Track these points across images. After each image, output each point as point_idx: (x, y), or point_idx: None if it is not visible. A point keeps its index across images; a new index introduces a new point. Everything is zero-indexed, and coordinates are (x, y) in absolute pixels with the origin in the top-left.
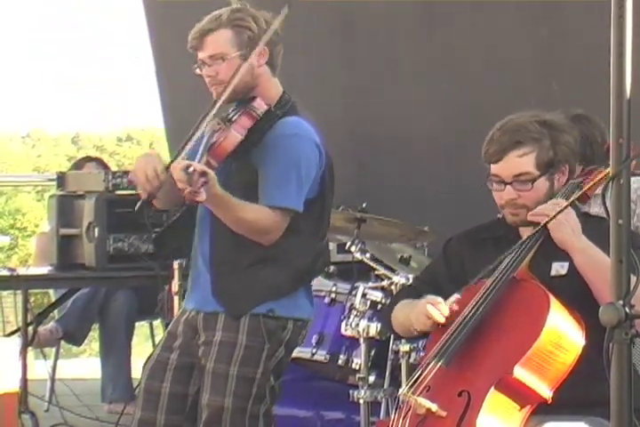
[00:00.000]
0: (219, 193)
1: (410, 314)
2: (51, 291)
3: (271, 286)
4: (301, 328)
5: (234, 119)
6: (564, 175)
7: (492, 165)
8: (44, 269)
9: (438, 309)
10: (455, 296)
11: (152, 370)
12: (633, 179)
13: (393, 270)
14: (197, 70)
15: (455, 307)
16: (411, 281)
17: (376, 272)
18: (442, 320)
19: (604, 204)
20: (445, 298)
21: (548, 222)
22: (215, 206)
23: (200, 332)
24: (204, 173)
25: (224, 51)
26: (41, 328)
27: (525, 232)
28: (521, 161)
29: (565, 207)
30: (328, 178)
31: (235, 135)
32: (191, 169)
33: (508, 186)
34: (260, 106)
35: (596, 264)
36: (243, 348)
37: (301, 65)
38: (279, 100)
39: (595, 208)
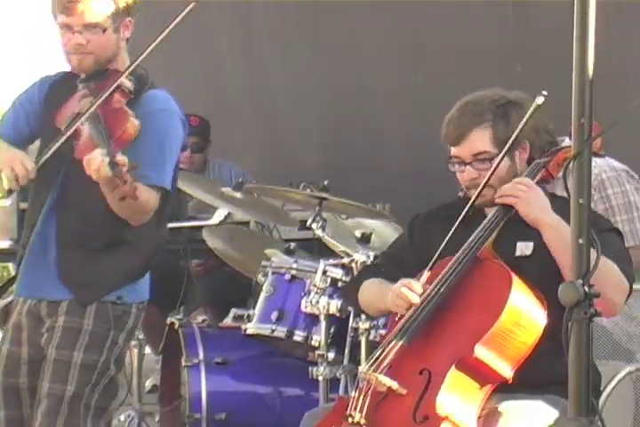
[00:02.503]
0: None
1: (383, 296)
2: (10, 265)
3: (124, 271)
4: (142, 311)
5: (112, 100)
6: (525, 152)
7: (451, 147)
8: (4, 244)
9: (413, 289)
10: (427, 273)
11: (5, 367)
12: (593, 163)
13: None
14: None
15: (427, 287)
16: (373, 258)
17: (337, 249)
18: (416, 301)
19: (565, 183)
20: (410, 277)
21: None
22: (116, 188)
23: (44, 319)
24: (124, 163)
25: (101, 22)
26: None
27: (490, 211)
28: (479, 140)
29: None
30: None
31: (136, 123)
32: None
33: (468, 166)
34: (127, 84)
35: (565, 241)
36: (88, 334)
37: (272, 49)
38: (132, 72)
39: (558, 189)
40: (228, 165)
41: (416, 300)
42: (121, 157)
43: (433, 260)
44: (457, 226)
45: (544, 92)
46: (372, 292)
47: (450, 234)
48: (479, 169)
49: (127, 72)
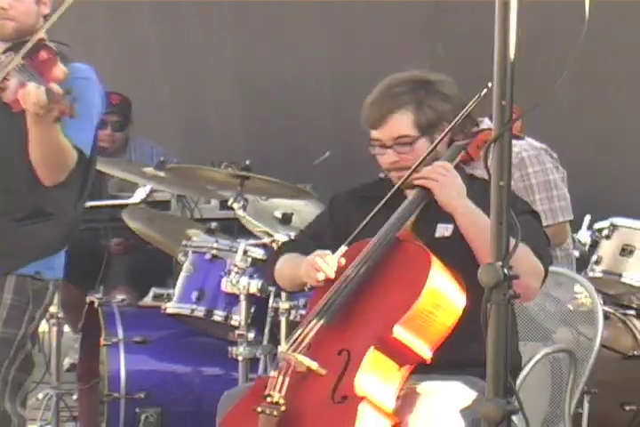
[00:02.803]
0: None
1: (298, 268)
2: None
3: (44, 243)
4: (57, 289)
5: (39, 55)
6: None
7: (372, 131)
8: None
9: (327, 261)
10: (342, 248)
11: None
12: (513, 142)
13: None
14: None
15: (343, 261)
16: (294, 236)
17: (257, 229)
18: (332, 274)
19: (486, 165)
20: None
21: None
22: (51, 111)
23: None
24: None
25: None
26: None
27: (410, 193)
28: (399, 124)
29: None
30: (98, 125)
31: (61, 67)
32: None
33: (389, 149)
34: (50, 44)
35: (478, 227)
36: (7, 308)
37: (193, 25)
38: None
39: (478, 171)
40: (149, 144)
41: (329, 272)
42: (54, 85)
43: (352, 236)
44: (374, 204)
45: (489, 84)
46: (288, 265)
47: (370, 215)
48: (400, 152)
49: (46, 26)
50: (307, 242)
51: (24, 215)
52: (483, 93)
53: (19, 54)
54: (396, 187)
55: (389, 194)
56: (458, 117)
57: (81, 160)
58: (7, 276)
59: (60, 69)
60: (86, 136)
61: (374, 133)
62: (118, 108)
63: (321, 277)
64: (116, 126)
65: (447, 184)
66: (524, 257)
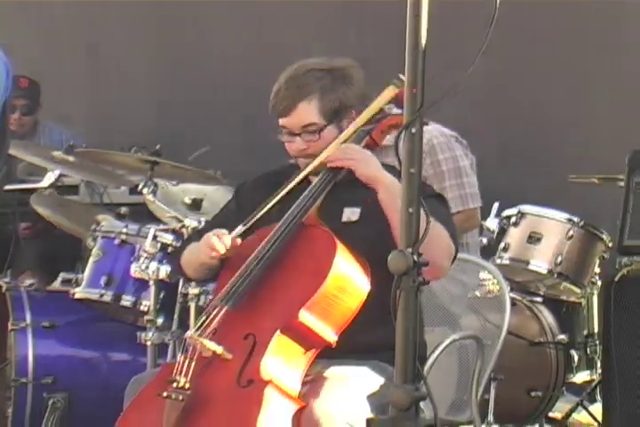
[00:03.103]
0: None
1: (199, 253)
2: None
3: None
4: None
5: None
6: (351, 120)
7: (279, 119)
8: None
9: (222, 239)
10: (240, 228)
11: None
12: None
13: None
14: None
15: (238, 240)
16: (201, 226)
17: (167, 215)
18: (222, 251)
19: (397, 153)
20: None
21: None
22: None
23: None
24: None
25: None
26: None
27: (315, 179)
28: (306, 112)
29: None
30: (7, 108)
31: None
32: None
33: (297, 137)
34: None
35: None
36: None
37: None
38: None
39: (387, 159)
40: (58, 128)
41: (222, 249)
42: None
43: (251, 217)
44: (280, 193)
45: (402, 77)
46: (191, 251)
47: (275, 198)
48: (308, 140)
49: None
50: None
51: None
52: (393, 86)
53: None
54: (304, 173)
55: (297, 179)
56: (370, 114)
57: None
58: None
59: None
60: None
61: (282, 121)
62: (27, 92)
63: (212, 254)
64: (24, 110)
65: (365, 159)
66: (437, 235)
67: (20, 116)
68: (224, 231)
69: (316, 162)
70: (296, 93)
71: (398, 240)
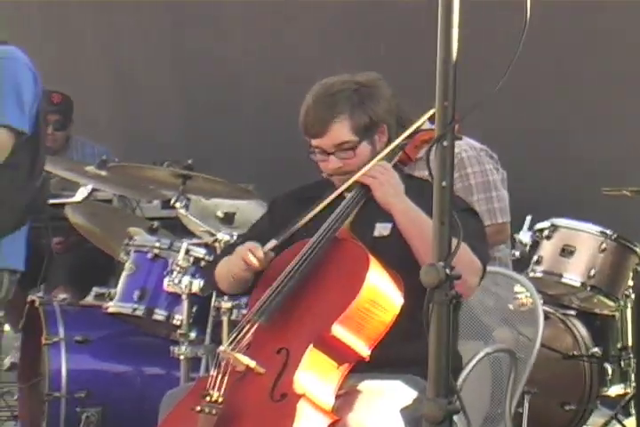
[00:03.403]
0: None
1: (232, 267)
2: None
3: None
4: (13, 284)
5: None
6: (384, 134)
7: (312, 139)
8: None
9: (254, 252)
10: (272, 242)
11: None
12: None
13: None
14: None
15: (271, 254)
16: (236, 238)
17: (200, 229)
18: (255, 263)
19: (428, 166)
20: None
21: (364, 180)
22: None
23: None
24: None
25: None
26: None
27: (348, 194)
28: (339, 132)
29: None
30: (42, 117)
31: None
32: None
33: (331, 156)
34: None
35: (416, 225)
36: None
37: (130, 24)
38: None
39: (418, 171)
40: (90, 143)
41: (253, 261)
42: None
43: (285, 232)
44: (315, 208)
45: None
46: (224, 265)
47: (310, 215)
48: (342, 158)
49: None
50: None
51: None
52: (427, 116)
53: None
54: (339, 191)
55: (332, 197)
56: (405, 135)
57: (15, 136)
58: None
59: None
60: (11, 110)
61: (315, 142)
62: (59, 107)
63: (244, 267)
64: (56, 125)
65: (385, 182)
66: (464, 253)
67: (53, 132)
68: (257, 244)
69: (351, 180)
70: (327, 114)
71: (421, 261)
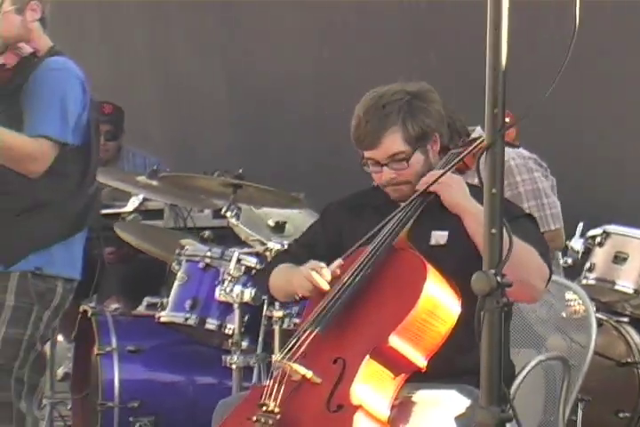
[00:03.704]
0: None
1: (291, 279)
2: None
3: (44, 232)
4: (69, 292)
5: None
6: (437, 143)
7: (365, 151)
8: None
9: (321, 274)
10: (338, 261)
11: None
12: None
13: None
14: None
15: (338, 272)
16: (287, 246)
17: (251, 238)
18: (326, 287)
19: (478, 173)
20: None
21: (429, 186)
22: None
23: None
24: None
25: None
26: None
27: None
28: (392, 143)
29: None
30: (94, 127)
31: None
32: None
33: (384, 167)
34: (25, 47)
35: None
36: (11, 309)
37: (182, 34)
38: (48, 50)
39: (468, 180)
40: (141, 154)
41: (324, 285)
42: None
43: (349, 251)
44: (370, 216)
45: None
46: (281, 275)
47: (369, 234)
48: (396, 169)
49: None
50: (300, 252)
51: (19, 209)
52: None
53: None
54: (408, 208)
55: (399, 214)
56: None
57: (59, 148)
58: (10, 274)
59: None
60: (53, 121)
61: (368, 154)
62: (111, 118)
63: (311, 288)
64: (107, 136)
65: (453, 185)
66: (530, 257)
67: (104, 142)
68: (322, 265)
69: (421, 190)
70: (379, 126)
71: None
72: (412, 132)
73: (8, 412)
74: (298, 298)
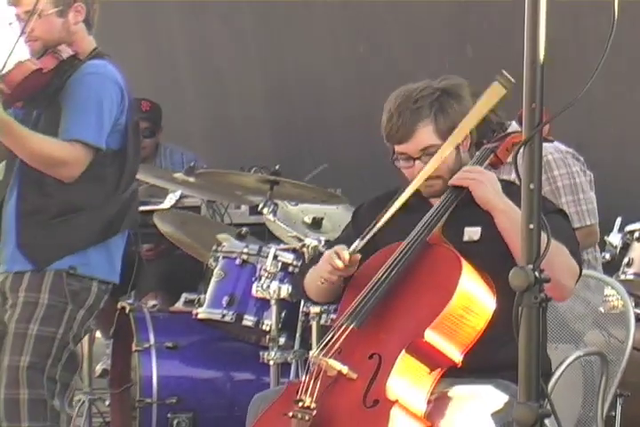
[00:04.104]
0: (3, 117)
1: (318, 269)
2: None
3: (79, 235)
4: (105, 292)
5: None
6: (468, 140)
7: (396, 145)
8: None
9: (340, 255)
10: (357, 242)
11: None
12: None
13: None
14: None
15: (358, 256)
16: (322, 245)
17: (287, 234)
18: (341, 265)
19: (516, 169)
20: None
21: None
22: (2, 134)
23: (7, 295)
24: None
25: (40, 6)
26: None
27: (435, 200)
28: (424, 136)
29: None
30: (132, 131)
31: (28, 65)
32: None
33: (416, 161)
34: (65, 50)
35: (516, 224)
36: (44, 307)
37: (221, 32)
38: (90, 52)
39: (504, 175)
40: (179, 150)
41: (340, 264)
42: None
43: (367, 230)
44: (399, 212)
45: (505, 73)
46: (313, 275)
47: (389, 212)
48: (427, 163)
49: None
50: None
51: (55, 212)
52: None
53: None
54: (414, 185)
55: (408, 191)
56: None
57: (98, 164)
58: (45, 273)
59: (18, 65)
60: (89, 125)
61: (399, 148)
62: (148, 115)
63: (329, 269)
64: (145, 133)
65: (485, 181)
66: (559, 255)
67: (142, 139)
68: (342, 246)
69: (421, 176)
70: (411, 119)
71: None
72: (444, 126)
73: (42, 409)
74: (328, 295)
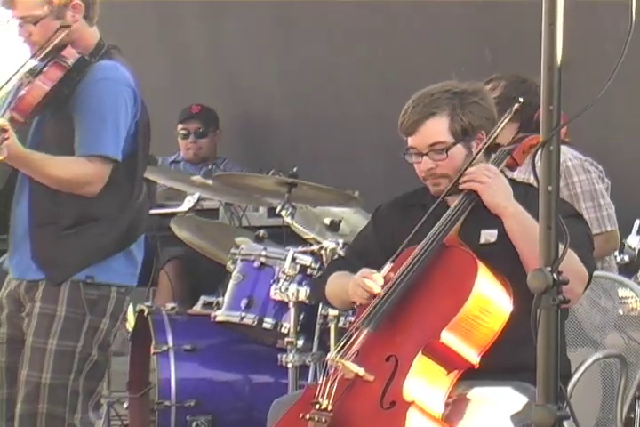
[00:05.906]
0: (19, 151)
1: (345, 287)
2: None
3: (96, 247)
4: (125, 295)
5: (43, 71)
6: (482, 142)
7: (408, 138)
8: None
9: (373, 279)
10: (389, 265)
11: None
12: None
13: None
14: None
15: (391, 275)
16: (342, 245)
17: (305, 236)
18: (379, 291)
19: (534, 171)
20: (377, 268)
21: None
22: (19, 165)
23: (24, 302)
24: (4, 130)
25: (34, 12)
26: None
27: (452, 200)
28: (434, 131)
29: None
30: (142, 134)
31: (40, 86)
32: None
33: (424, 156)
34: (70, 55)
35: (526, 230)
36: (62, 320)
37: (241, 39)
38: (95, 47)
39: (520, 175)
40: (237, 167)
41: (377, 289)
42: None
43: (396, 253)
44: (419, 215)
45: (521, 99)
46: (337, 284)
47: (413, 231)
48: (435, 160)
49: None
50: (355, 261)
51: (70, 223)
52: (514, 108)
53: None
54: (440, 198)
55: (434, 204)
56: (493, 132)
57: (113, 164)
58: (61, 285)
59: (33, 87)
60: (108, 140)
61: (410, 141)
62: (197, 116)
63: (366, 295)
64: (197, 133)
65: (494, 186)
66: (571, 262)
67: (195, 139)
68: (373, 271)
69: (452, 183)
70: (425, 110)
71: (529, 266)
72: (458, 125)
73: (59, 425)
74: (356, 307)
